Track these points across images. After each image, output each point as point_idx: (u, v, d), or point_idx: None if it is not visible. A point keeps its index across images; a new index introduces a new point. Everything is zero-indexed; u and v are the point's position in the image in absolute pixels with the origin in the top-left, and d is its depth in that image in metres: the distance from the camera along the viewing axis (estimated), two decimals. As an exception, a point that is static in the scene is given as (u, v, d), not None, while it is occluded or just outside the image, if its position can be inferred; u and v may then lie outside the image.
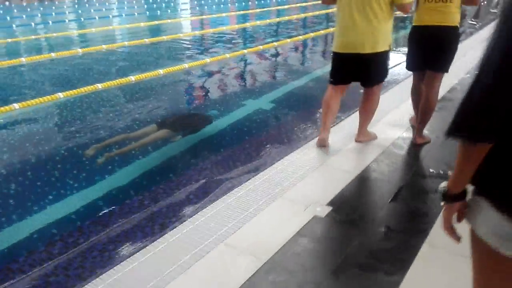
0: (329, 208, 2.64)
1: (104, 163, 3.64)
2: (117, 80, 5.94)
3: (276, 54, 8.60)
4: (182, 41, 9.67)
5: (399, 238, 2.36)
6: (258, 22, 12.59)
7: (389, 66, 3.45)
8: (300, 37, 9.94)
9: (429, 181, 3.01)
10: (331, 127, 3.65)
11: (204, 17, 14.65)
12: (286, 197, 2.78)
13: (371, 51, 3.18)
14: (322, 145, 3.46)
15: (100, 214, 2.94)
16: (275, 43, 9.05)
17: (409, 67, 3.56)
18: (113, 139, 4.13)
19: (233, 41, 9.70)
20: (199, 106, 5.69)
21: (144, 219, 2.85)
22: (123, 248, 2.54)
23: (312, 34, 10.32)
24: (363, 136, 3.62)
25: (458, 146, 1.05)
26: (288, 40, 9.51)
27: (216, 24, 12.49)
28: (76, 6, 18.60)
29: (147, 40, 9.16)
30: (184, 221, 2.51)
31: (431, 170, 3.15)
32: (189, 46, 9.30)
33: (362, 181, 3.01)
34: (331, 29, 10.72)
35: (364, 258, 2.20)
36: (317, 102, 5.20)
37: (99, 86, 5.65)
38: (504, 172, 1.02)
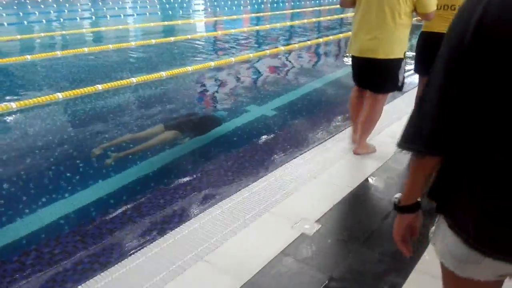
0: (318, 226, 2.52)
1: (100, 167, 3.58)
2: (119, 81, 5.90)
3: (283, 59, 8.49)
4: (189, 43, 9.63)
5: (390, 261, 2.23)
6: (268, 26, 12.50)
7: (401, 77, 3.28)
8: (309, 42, 9.80)
9: (426, 199, 2.86)
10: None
11: (214, 18, 14.61)
12: (274, 212, 2.67)
13: (385, 57, 3.11)
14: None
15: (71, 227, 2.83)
16: (283, 48, 8.95)
17: (417, 70, 3.59)
18: (120, 140, 4.09)
19: (241, 44, 9.62)
20: (199, 108, 5.60)
21: (123, 231, 2.74)
22: (97, 262, 2.44)
23: (320, 40, 10.18)
24: (362, 148, 3.50)
25: (410, 158, 1.05)
26: (296, 45, 9.41)
27: (227, 26, 12.44)
28: (90, 4, 18.74)
29: (154, 41, 9.12)
30: (165, 234, 2.42)
31: (429, 187, 3.02)
32: (195, 48, 9.24)
33: (355, 198, 2.89)
34: (340, 35, 10.60)
35: (352, 282, 2.08)
36: (315, 113, 5.17)
37: (99, 87, 5.63)
38: (452, 190, 1.01)
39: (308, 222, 2.55)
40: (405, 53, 3.20)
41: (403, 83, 3.32)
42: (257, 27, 12.24)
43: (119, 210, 2.97)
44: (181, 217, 2.83)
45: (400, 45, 3.12)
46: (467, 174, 0.97)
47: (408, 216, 1.12)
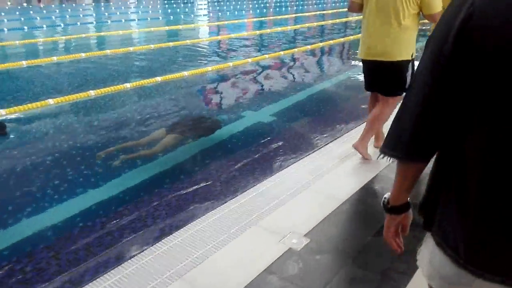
0: (307, 240, 2.39)
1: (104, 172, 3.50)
2: (112, 87, 5.82)
3: (283, 64, 8.38)
4: (190, 47, 9.56)
5: (381, 280, 2.09)
6: (268, 30, 12.41)
7: (409, 79, 3.25)
8: (308, 47, 9.70)
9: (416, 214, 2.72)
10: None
11: (211, 24, 14.56)
12: (261, 225, 2.54)
13: (393, 59, 3.14)
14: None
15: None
16: (282, 52, 8.85)
17: None
18: (121, 146, 4.05)
19: (242, 49, 9.53)
20: (199, 112, 5.48)
21: (101, 247, 2.61)
22: (74, 277, 2.32)
23: (321, 44, 10.07)
24: (361, 147, 3.40)
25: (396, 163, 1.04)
26: (295, 49, 9.30)
27: (229, 30, 12.36)
28: (92, 9, 18.81)
29: (152, 46, 9.06)
30: (143, 251, 2.30)
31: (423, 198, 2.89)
32: (194, 53, 9.16)
33: (347, 210, 2.75)
34: (341, 39, 10.48)
35: (337, 303, 1.95)
36: (309, 121, 4.98)
37: (92, 92, 5.58)
38: (441, 205, 0.98)
39: (296, 236, 2.42)
40: (412, 54, 3.19)
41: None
42: (258, 32, 12.17)
43: (98, 225, 2.85)
44: (162, 232, 2.69)
45: (407, 47, 3.13)
46: (456, 190, 0.93)
47: (397, 216, 1.12)
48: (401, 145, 0.98)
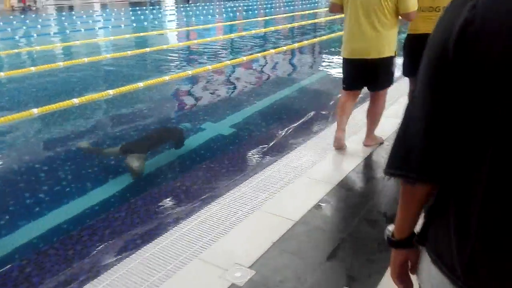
0: (252, 273, 2.15)
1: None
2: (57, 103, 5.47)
3: (251, 68, 8.17)
4: (150, 55, 9.23)
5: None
6: (232, 35, 12.19)
7: (395, 72, 3.50)
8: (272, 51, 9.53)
9: (378, 227, 2.53)
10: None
11: (165, 31, 14.24)
12: (203, 258, 2.29)
13: (377, 57, 3.28)
14: (339, 146, 3.56)
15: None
16: (245, 58, 8.64)
17: (405, 73, 3.64)
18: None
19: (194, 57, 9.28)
20: (160, 121, 5.21)
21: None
22: None
23: (284, 48, 9.92)
24: (371, 140, 3.69)
25: (400, 186, 0.94)
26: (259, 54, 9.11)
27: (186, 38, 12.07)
28: (63, 18, 18.24)
29: (108, 55, 8.69)
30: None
31: (383, 212, 2.71)
32: (163, 59, 8.85)
33: (299, 231, 2.52)
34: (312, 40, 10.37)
35: None
36: (264, 133, 4.70)
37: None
38: (437, 221, 0.90)
39: (240, 269, 2.18)
40: (395, 51, 3.38)
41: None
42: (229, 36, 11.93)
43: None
44: (87, 274, 2.39)
45: (390, 43, 3.30)
46: (457, 212, 0.84)
47: (404, 251, 0.99)
48: (410, 163, 0.87)
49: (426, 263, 0.94)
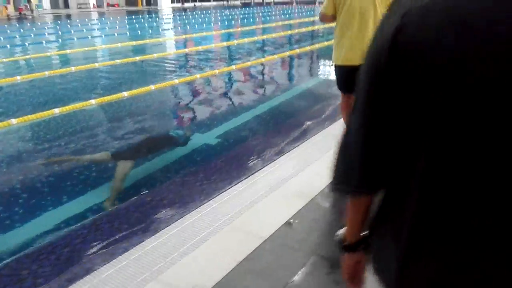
0: (212, 297, 2.04)
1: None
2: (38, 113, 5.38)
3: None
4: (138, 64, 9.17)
5: None
6: (224, 43, 12.15)
7: None
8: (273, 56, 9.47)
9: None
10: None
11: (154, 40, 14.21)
12: (161, 279, 2.17)
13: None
14: None
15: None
16: (234, 66, 8.57)
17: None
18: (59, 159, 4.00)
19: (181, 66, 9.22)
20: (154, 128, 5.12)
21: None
22: None
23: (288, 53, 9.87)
24: None
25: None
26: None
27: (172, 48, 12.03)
28: (58, 27, 18.26)
29: (97, 65, 8.64)
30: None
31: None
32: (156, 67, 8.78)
33: (267, 250, 2.41)
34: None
35: None
36: (241, 151, 4.51)
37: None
38: (377, 227, 0.91)
39: (199, 293, 2.06)
40: None
41: None
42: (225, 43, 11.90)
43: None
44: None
45: None
46: (392, 214, 0.84)
47: (354, 254, 1.00)
48: (351, 177, 0.88)
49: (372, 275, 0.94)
